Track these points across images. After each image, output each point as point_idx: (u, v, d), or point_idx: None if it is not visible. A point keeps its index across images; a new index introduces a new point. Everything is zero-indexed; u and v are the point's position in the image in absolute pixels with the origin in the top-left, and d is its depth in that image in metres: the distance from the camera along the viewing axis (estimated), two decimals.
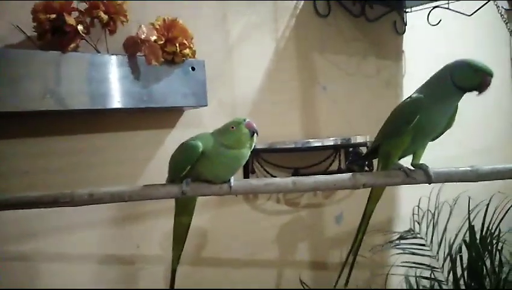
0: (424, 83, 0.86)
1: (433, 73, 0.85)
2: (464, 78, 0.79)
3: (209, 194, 0.80)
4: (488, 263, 1.20)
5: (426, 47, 1.96)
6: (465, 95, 0.82)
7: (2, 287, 1.07)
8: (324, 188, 0.81)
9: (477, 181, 0.81)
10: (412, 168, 0.85)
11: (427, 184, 0.84)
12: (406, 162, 0.89)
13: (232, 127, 0.77)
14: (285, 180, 0.80)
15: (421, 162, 0.87)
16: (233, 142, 0.77)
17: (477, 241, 1.22)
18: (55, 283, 1.14)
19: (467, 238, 1.22)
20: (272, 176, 1.45)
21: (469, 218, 1.35)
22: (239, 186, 0.79)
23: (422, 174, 0.83)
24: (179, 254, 0.93)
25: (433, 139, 0.90)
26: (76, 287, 1.17)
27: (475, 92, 0.81)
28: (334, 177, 0.80)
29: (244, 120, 0.77)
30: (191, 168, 0.77)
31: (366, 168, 1.37)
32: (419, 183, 0.83)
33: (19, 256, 1.10)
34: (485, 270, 1.17)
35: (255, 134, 0.78)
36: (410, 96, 0.84)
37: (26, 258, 1.11)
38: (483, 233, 1.31)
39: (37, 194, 0.74)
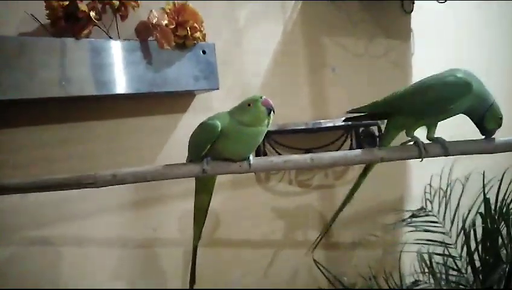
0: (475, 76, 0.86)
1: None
2: (491, 120, 0.84)
3: (229, 172, 0.81)
4: (504, 233, 1.21)
5: (435, 26, 1.95)
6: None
7: (25, 271, 1.10)
8: (343, 163, 0.81)
9: (494, 152, 0.82)
10: (428, 141, 0.86)
11: (444, 157, 0.84)
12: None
13: (249, 105, 0.78)
14: (303, 157, 0.81)
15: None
16: (250, 120, 0.77)
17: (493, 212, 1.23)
18: (75, 267, 1.17)
19: (482, 212, 1.22)
20: None
21: (484, 190, 1.36)
22: (258, 164, 0.80)
23: (438, 147, 0.83)
24: (199, 231, 0.95)
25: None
26: (96, 270, 1.19)
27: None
28: (352, 152, 0.81)
29: (261, 97, 0.78)
30: (210, 147, 0.78)
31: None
32: (436, 156, 0.83)
33: (40, 240, 1.13)
34: (500, 241, 1.18)
35: (272, 112, 0.78)
36: (452, 74, 0.84)
37: (47, 243, 1.13)
38: (498, 205, 1.32)
39: (61, 176, 0.75)
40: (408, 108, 0.88)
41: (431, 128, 0.89)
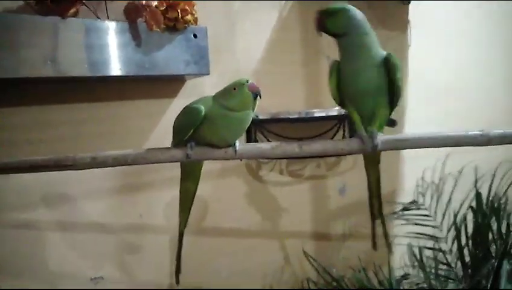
0: None
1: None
2: None
3: (213, 158, 0.78)
4: (494, 228, 1.20)
5: (433, 17, 1.92)
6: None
7: (6, 253, 1.08)
8: (332, 152, 0.79)
9: (487, 145, 0.80)
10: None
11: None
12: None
13: (234, 89, 0.75)
14: (291, 144, 0.79)
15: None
16: (236, 104, 0.75)
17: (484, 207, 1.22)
18: (58, 252, 1.15)
19: (473, 206, 1.21)
20: None
21: (475, 184, 1.34)
22: (245, 150, 0.78)
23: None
24: (185, 218, 0.93)
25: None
26: (79, 255, 1.18)
27: None
28: (343, 141, 0.79)
29: (247, 81, 0.75)
30: (194, 132, 0.76)
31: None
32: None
33: (23, 224, 1.10)
34: (491, 236, 1.17)
35: (258, 96, 0.76)
36: None
37: (30, 226, 1.11)
38: (490, 200, 1.31)
39: (40, 158, 0.73)
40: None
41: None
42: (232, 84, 0.76)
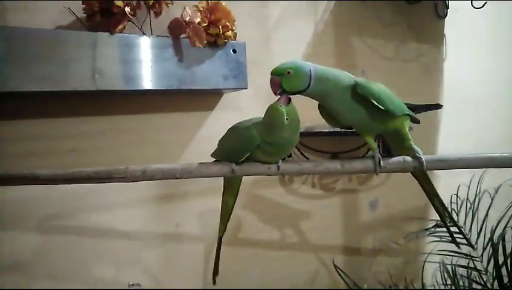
0: None
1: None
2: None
3: (257, 174, 0.80)
4: None
5: (469, 31, 1.90)
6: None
7: (48, 261, 1.12)
8: (373, 171, 0.80)
9: None
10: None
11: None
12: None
13: (287, 119, 0.73)
14: (333, 162, 0.80)
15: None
16: (288, 134, 0.76)
17: None
18: (96, 259, 1.18)
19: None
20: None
21: None
22: (287, 167, 0.80)
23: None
24: (224, 225, 0.95)
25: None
26: (116, 262, 1.21)
27: None
28: (387, 160, 0.79)
29: (280, 105, 0.74)
30: None
31: None
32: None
33: (64, 230, 1.15)
34: None
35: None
36: None
37: (71, 233, 1.16)
38: None
39: (92, 169, 0.76)
40: None
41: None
42: (279, 115, 0.74)
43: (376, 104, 0.75)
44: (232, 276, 1.38)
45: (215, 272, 1.00)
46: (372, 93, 0.76)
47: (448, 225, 1.01)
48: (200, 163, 0.79)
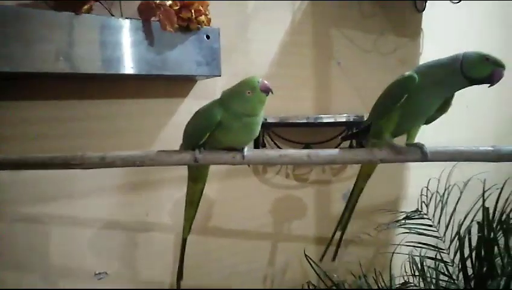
0: (429, 62, 0.81)
1: (451, 52, 0.82)
2: (474, 67, 0.75)
3: (221, 163, 0.78)
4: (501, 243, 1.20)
5: (446, 27, 1.91)
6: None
7: (14, 247, 1.09)
8: (340, 161, 0.79)
9: (498, 161, 0.79)
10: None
11: (423, 162, 0.82)
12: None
13: (248, 93, 0.72)
14: (300, 152, 0.79)
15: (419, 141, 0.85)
16: (251, 110, 0.73)
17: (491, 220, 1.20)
18: (63, 246, 1.16)
19: (479, 221, 1.21)
20: None
21: (483, 197, 1.34)
22: (253, 157, 0.78)
23: (417, 152, 0.81)
24: (190, 223, 0.93)
25: (427, 123, 0.87)
26: (84, 250, 1.18)
27: (486, 84, 0.77)
28: (350, 151, 0.79)
29: (258, 82, 0.72)
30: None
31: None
32: (413, 161, 0.81)
33: (29, 218, 1.11)
34: (496, 250, 1.16)
35: (270, 92, 0.74)
36: (403, 74, 0.80)
37: (36, 221, 1.12)
38: (497, 215, 1.30)
39: (49, 156, 0.73)
40: (374, 111, 0.87)
41: (410, 134, 0.86)
42: (244, 86, 0.73)
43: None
44: (201, 266, 1.37)
45: (180, 276, 0.96)
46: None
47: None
48: (161, 150, 0.77)
